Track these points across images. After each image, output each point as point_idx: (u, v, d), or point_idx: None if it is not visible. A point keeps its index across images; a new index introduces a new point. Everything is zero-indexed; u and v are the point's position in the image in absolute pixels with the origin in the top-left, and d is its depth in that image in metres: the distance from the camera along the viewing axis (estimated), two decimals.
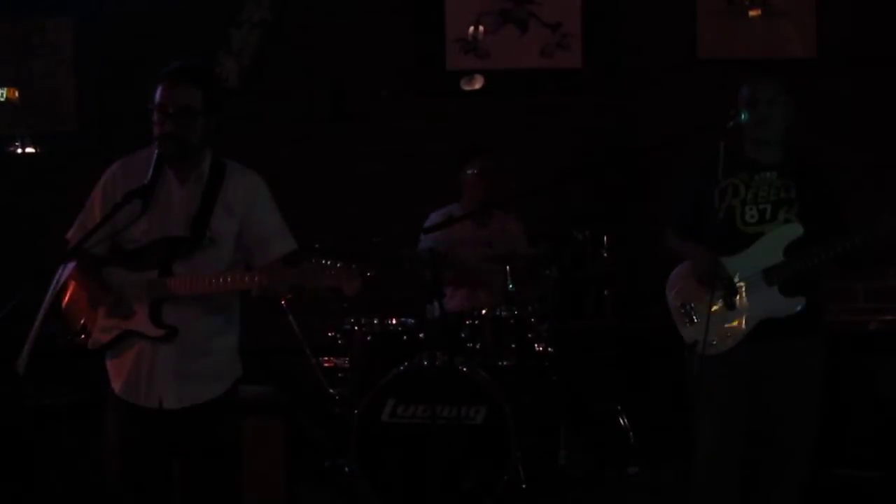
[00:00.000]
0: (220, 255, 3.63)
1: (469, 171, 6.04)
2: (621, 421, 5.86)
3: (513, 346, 5.52)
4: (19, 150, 6.87)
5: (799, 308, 4.09)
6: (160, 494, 3.63)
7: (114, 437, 3.64)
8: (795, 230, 4.12)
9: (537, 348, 5.53)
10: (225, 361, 3.74)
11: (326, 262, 3.43)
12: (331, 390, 5.49)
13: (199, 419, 3.61)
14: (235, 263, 3.67)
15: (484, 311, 5.59)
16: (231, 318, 3.75)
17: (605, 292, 6.26)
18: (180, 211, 3.60)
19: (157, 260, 3.56)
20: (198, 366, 3.62)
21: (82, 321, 3.66)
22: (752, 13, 6.67)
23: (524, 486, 5.22)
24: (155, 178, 3.56)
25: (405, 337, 5.59)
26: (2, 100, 6.85)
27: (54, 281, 3.54)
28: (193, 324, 3.60)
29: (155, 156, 3.61)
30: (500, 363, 5.48)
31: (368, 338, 5.57)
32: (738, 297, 4.15)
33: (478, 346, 5.51)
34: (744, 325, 4.14)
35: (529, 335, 5.53)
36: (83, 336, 3.66)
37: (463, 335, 5.53)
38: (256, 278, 3.47)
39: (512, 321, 5.54)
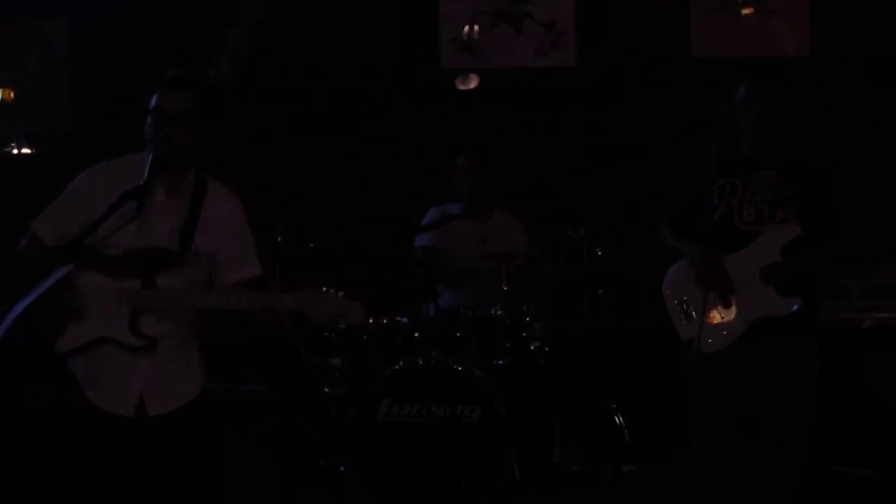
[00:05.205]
0: (202, 272, 3.58)
1: (457, 170, 6.07)
2: (617, 419, 5.86)
3: (508, 344, 5.51)
4: (14, 151, 6.86)
5: (795, 308, 4.10)
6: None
7: (86, 448, 3.52)
8: (793, 230, 4.13)
9: (532, 347, 5.53)
10: (195, 364, 3.67)
11: (329, 290, 3.38)
12: (326, 390, 5.48)
13: (180, 422, 3.55)
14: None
15: (479, 310, 5.60)
16: (195, 329, 3.68)
17: (601, 291, 6.26)
18: (166, 223, 3.54)
19: (139, 269, 3.47)
20: (173, 370, 3.56)
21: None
22: (745, 12, 6.68)
23: (519, 484, 5.22)
24: (150, 181, 3.47)
25: (400, 336, 5.58)
26: None
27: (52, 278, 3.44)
28: (170, 334, 3.53)
29: (149, 160, 3.49)
30: (495, 362, 5.48)
31: (363, 337, 5.58)
32: (734, 296, 4.16)
33: (473, 345, 5.51)
34: (740, 324, 4.15)
35: (524, 334, 5.53)
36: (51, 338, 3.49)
37: (458, 334, 5.53)
38: (260, 301, 3.44)
39: (507, 320, 5.53)
